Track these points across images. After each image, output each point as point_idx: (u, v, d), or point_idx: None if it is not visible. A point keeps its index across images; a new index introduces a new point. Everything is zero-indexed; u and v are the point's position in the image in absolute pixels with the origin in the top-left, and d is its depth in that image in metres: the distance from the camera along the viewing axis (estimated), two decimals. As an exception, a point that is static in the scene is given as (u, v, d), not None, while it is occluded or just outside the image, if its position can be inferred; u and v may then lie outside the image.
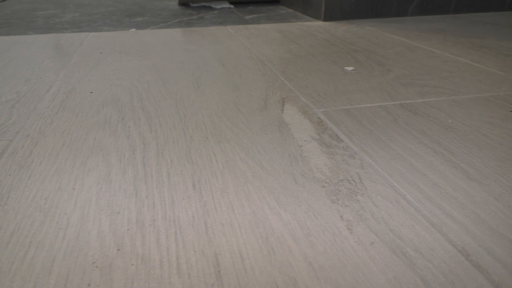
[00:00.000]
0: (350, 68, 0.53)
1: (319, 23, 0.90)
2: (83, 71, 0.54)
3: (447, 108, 0.39)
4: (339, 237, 0.22)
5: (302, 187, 0.27)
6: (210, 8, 1.19)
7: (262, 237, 0.22)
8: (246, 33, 0.79)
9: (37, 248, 0.22)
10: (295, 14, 1.06)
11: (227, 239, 0.22)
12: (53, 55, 0.63)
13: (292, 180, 0.28)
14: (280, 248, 0.22)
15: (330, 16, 0.92)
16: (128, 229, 0.23)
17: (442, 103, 0.41)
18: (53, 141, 0.34)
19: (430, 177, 0.28)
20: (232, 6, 1.21)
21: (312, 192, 0.26)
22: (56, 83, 0.49)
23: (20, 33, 0.83)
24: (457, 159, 0.30)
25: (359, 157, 0.31)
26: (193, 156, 0.31)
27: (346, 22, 0.90)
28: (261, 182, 0.28)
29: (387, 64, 0.55)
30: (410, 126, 0.36)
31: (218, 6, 1.19)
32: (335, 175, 0.28)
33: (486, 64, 0.53)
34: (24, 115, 0.40)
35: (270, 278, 0.20)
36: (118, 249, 0.22)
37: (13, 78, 0.52)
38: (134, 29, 0.86)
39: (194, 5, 1.24)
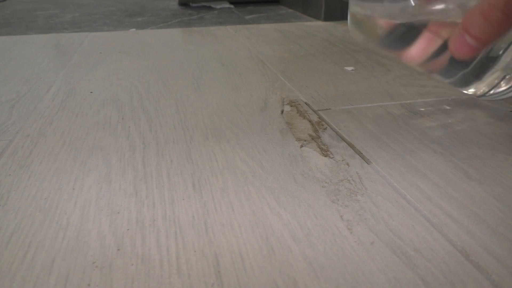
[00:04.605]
0: (350, 68, 0.53)
1: (319, 23, 0.90)
2: (83, 71, 0.54)
3: (447, 108, 0.39)
4: (339, 237, 0.22)
5: (302, 187, 0.27)
6: (210, 8, 1.19)
7: (262, 237, 0.22)
8: (246, 33, 0.79)
9: (37, 248, 0.22)
10: (295, 14, 1.06)
11: (227, 239, 0.22)
12: (53, 55, 0.63)
13: (292, 180, 0.28)
14: (280, 248, 0.22)
15: (330, 16, 0.92)
16: (128, 229, 0.23)
17: (442, 103, 0.41)
18: (53, 141, 0.34)
19: (430, 177, 0.28)
20: (232, 6, 1.21)
21: (312, 192, 0.26)
22: (56, 83, 0.49)
23: (20, 33, 0.83)
24: (457, 159, 0.30)
25: (359, 157, 0.31)
26: (193, 156, 0.31)
27: (346, 22, 0.90)
28: (261, 182, 0.28)
29: (387, 64, 0.55)
30: (410, 126, 0.36)
31: (218, 6, 1.19)
32: (335, 175, 0.28)
33: (486, 64, 0.53)
34: (24, 115, 0.40)
35: (270, 278, 0.20)
36: (118, 249, 0.22)
37: (13, 78, 0.52)
38: (134, 29, 0.86)
39: (194, 5, 1.24)
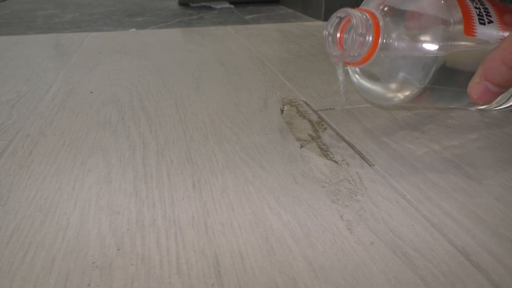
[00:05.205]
0: (350, 68, 0.53)
1: (319, 23, 0.90)
2: (83, 71, 0.54)
3: (446, 108, 0.39)
4: (339, 237, 0.22)
5: (302, 187, 0.27)
6: (210, 8, 1.19)
7: (262, 237, 0.22)
8: (246, 33, 0.79)
9: (37, 248, 0.22)
10: (295, 14, 1.06)
11: (227, 239, 0.22)
12: (53, 55, 0.63)
13: (292, 180, 0.28)
14: (280, 248, 0.22)
15: (330, 16, 0.92)
16: (128, 229, 0.23)
17: (442, 103, 0.41)
18: (53, 141, 0.34)
19: (430, 177, 0.28)
20: (232, 6, 1.21)
21: (312, 192, 0.26)
22: (56, 83, 0.49)
23: (20, 33, 0.83)
24: (457, 159, 0.30)
25: (359, 157, 0.31)
26: (193, 156, 0.31)
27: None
28: (261, 182, 0.28)
29: (387, 64, 0.55)
30: (410, 126, 0.36)
31: (218, 6, 1.19)
32: (335, 175, 0.28)
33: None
34: (24, 115, 0.40)
35: (270, 278, 0.20)
36: (118, 249, 0.22)
37: (13, 78, 0.52)
38: (134, 29, 0.86)
39: (194, 5, 1.24)
